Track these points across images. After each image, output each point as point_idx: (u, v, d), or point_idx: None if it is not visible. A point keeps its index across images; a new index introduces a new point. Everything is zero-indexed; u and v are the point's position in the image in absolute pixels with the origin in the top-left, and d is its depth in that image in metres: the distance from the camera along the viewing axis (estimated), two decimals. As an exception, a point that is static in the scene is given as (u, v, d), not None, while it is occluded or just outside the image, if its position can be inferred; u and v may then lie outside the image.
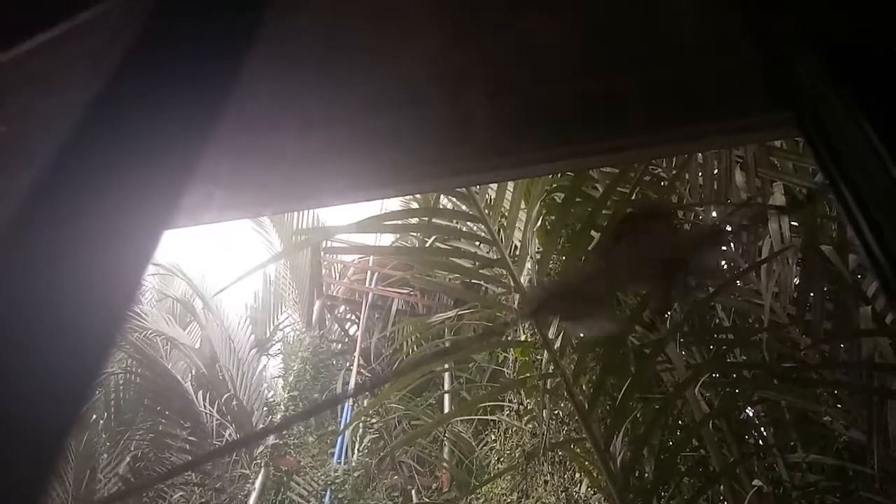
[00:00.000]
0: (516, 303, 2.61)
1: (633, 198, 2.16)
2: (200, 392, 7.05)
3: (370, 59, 0.90)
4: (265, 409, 7.08)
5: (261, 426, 6.94)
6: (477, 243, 2.83)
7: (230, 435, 6.84)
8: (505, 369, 4.15)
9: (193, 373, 7.31)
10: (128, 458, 6.64)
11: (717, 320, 2.32)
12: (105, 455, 6.59)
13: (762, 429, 2.31)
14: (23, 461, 0.22)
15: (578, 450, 2.51)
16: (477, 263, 2.67)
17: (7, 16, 0.56)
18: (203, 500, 6.45)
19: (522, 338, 3.06)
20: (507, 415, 3.67)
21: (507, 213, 2.42)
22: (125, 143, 0.31)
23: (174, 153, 0.32)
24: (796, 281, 1.97)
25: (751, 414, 2.38)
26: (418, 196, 3.13)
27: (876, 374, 1.68)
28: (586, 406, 2.09)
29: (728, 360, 2.17)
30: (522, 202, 2.36)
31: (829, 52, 0.54)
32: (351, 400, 6.17)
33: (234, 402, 6.94)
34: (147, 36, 0.37)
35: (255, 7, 0.42)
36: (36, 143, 0.86)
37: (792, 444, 2.11)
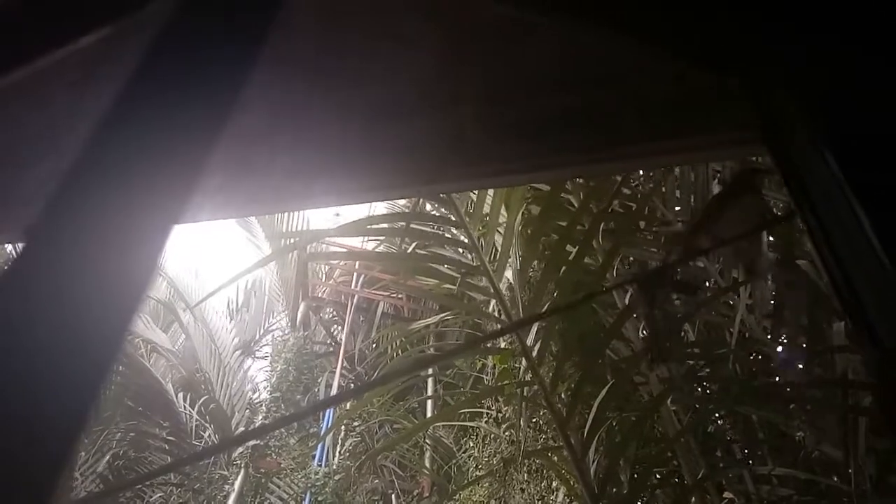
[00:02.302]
0: (494, 309, 2.62)
1: (609, 211, 2.18)
2: (181, 393, 6.99)
3: (361, 66, 0.91)
4: (247, 410, 7.02)
5: (241, 427, 6.89)
6: (460, 250, 2.83)
7: (209, 436, 6.79)
8: (484, 376, 4.16)
9: (172, 374, 7.24)
10: (108, 457, 6.56)
11: (691, 334, 2.33)
12: (83, 453, 6.51)
13: (732, 443, 2.33)
14: (32, 464, 0.22)
15: (556, 458, 2.51)
16: (463, 271, 2.67)
17: (7, 41, 0.55)
18: (181, 500, 6.38)
19: (502, 345, 3.07)
20: (486, 421, 3.68)
21: (486, 221, 2.42)
22: (133, 148, 0.32)
23: (181, 156, 0.33)
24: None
25: (721, 423, 2.39)
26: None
27: (850, 390, 1.70)
28: (564, 414, 2.10)
29: (701, 375, 2.18)
30: (503, 209, 2.36)
31: (798, 85, 0.55)
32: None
33: (212, 405, 6.88)
34: (152, 54, 0.39)
35: (263, 20, 0.44)
36: (30, 152, 0.87)
37: (759, 454, 2.13)
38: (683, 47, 0.49)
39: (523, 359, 2.43)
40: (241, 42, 0.42)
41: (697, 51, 0.54)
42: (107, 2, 0.47)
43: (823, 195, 0.49)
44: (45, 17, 0.49)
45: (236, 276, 6.89)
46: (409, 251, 3.59)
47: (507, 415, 3.39)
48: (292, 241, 6.71)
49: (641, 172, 2.37)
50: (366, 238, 5.75)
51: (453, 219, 2.46)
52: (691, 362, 2.19)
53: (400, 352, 5.39)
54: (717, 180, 2.02)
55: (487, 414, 3.66)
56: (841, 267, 0.50)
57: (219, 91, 0.38)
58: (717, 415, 2.20)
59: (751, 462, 2.09)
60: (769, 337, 1.91)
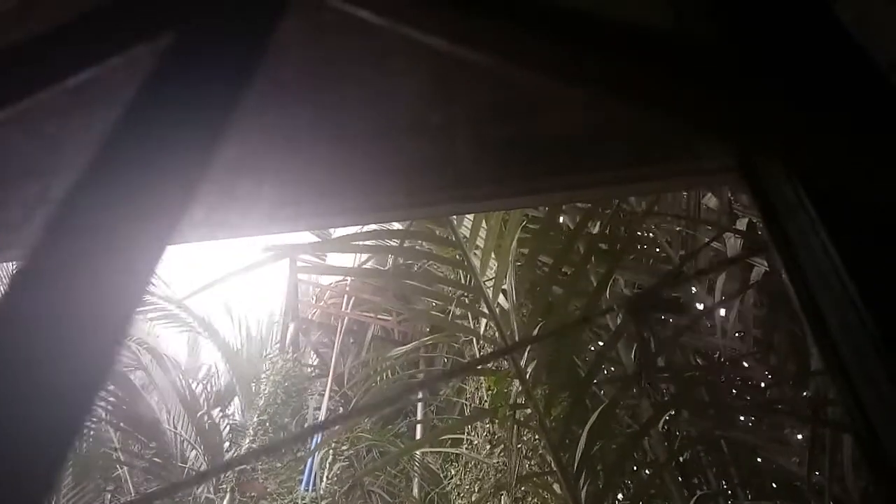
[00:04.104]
0: (483, 329, 2.61)
1: (606, 233, 2.20)
2: (164, 411, 6.87)
3: (354, 88, 0.92)
4: (233, 433, 6.92)
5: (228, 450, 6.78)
6: (454, 269, 2.83)
7: (196, 457, 6.66)
8: (463, 400, 4.12)
9: (162, 395, 7.12)
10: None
11: (679, 357, 2.34)
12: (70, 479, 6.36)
13: (708, 468, 2.32)
14: (24, 475, 0.23)
15: (543, 483, 2.49)
16: (458, 292, 2.66)
17: (8, 76, 0.57)
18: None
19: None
20: (467, 448, 3.64)
21: (483, 242, 2.43)
22: (128, 173, 0.34)
23: (174, 180, 0.35)
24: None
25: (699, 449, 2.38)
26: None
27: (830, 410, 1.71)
28: (556, 438, 2.09)
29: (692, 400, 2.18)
30: (499, 230, 2.37)
31: (776, 123, 0.56)
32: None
33: (207, 420, 6.76)
34: (145, 86, 0.40)
35: (253, 53, 0.45)
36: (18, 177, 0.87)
37: (738, 481, 2.12)
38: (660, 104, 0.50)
39: (516, 381, 2.42)
40: (232, 75, 0.43)
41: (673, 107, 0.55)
42: (106, 39, 0.48)
43: (799, 236, 0.50)
44: (47, 54, 0.50)
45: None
46: (404, 269, 3.58)
47: (496, 439, 3.36)
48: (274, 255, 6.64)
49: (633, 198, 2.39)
50: (358, 257, 5.74)
51: (449, 237, 2.47)
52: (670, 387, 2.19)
53: (389, 374, 5.34)
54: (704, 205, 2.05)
55: (468, 441, 3.63)
56: (812, 302, 0.51)
57: (212, 117, 0.40)
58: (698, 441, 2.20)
59: (730, 489, 2.08)
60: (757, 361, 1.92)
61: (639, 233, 2.32)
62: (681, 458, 2.21)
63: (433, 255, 2.92)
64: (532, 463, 2.86)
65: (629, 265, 2.31)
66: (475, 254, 2.45)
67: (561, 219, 2.42)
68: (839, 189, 0.45)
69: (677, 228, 2.26)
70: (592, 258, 2.13)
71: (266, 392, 6.46)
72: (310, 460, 5.88)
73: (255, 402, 6.56)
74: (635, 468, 2.24)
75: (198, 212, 0.91)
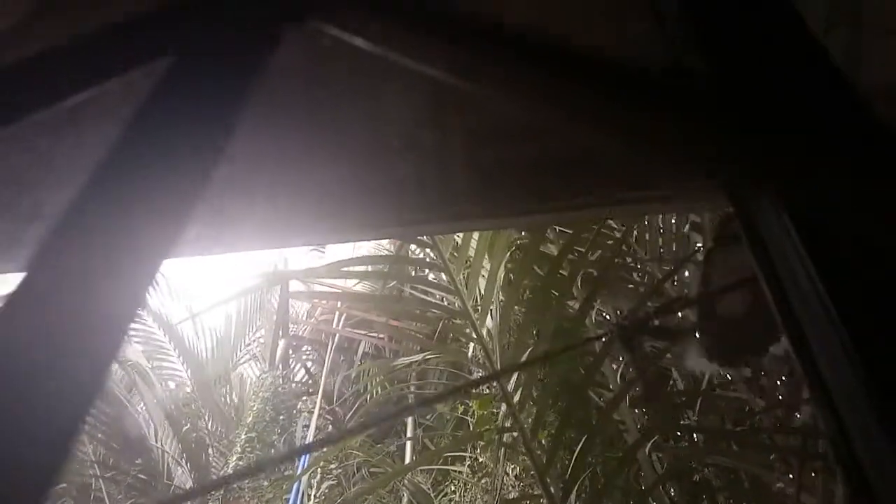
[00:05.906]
0: (471, 353, 2.61)
1: (589, 257, 2.21)
2: (153, 427, 6.77)
3: (347, 108, 0.92)
4: (221, 447, 6.84)
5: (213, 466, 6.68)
6: (440, 294, 2.83)
7: (182, 474, 6.56)
8: (467, 418, 4.10)
9: (150, 410, 7.02)
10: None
11: (672, 381, 2.34)
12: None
13: (717, 492, 2.31)
14: (19, 485, 0.23)
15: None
16: (445, 316, 2.66)
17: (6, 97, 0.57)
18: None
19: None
20: (469, 465, 3.61)
21: (470, 264, 2.43)
22: (126, 190, 0.35)
23: (171, 199, 0.36)
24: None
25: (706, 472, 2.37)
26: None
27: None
28: (543, 462, 2.07)
29: (681, 423, 2.18)
30: (486, 254, 2.38)
31: (764, 160, 0.57)
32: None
33: (194, 435, 6.67)
34: (144, 107, 0.41)
35: (251, 75, 0.46)
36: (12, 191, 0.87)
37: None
38: (650, 140, 0.51)
39: (503, 404, 2.41)
40: (229, 97, 0.44)
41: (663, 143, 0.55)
42: (105, 62, 0.49)
43: (785, 265, 0.50)
44: (46, 75, 0.51)
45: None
46: (392, 293, 3.59)
47: (484, 462, 3.34)
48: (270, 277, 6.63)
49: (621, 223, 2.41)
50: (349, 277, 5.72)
51: (437, 262, 2.47)
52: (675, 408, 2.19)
53: (380, 389, 5.31)
54: (688, 226, 2.07)
55: (471, 458, 3.60)
56: (800, 335, 0.51)
57: (209, 137, 0.41)
58: (703, 464, 2.19)
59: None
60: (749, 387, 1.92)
61: (620, 260, 2.33)
62: (695, 479, 2.20)
63: (423, 280, 2.93)
64: (523, 485, 2.84)
65: (620, 292, 2.32)
66: (461, 278, 2.46)
67: (546, 245, 2.42)
68: (825, 220, 0.46)
69: (651, 261, 2.28)
70: (578, 282, 2.14)
71: (255, 409, 6.40)
72: (297, 479, 5.80)
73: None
74: (628, 491, 2.23)
75: (190, 229, 0.91)
